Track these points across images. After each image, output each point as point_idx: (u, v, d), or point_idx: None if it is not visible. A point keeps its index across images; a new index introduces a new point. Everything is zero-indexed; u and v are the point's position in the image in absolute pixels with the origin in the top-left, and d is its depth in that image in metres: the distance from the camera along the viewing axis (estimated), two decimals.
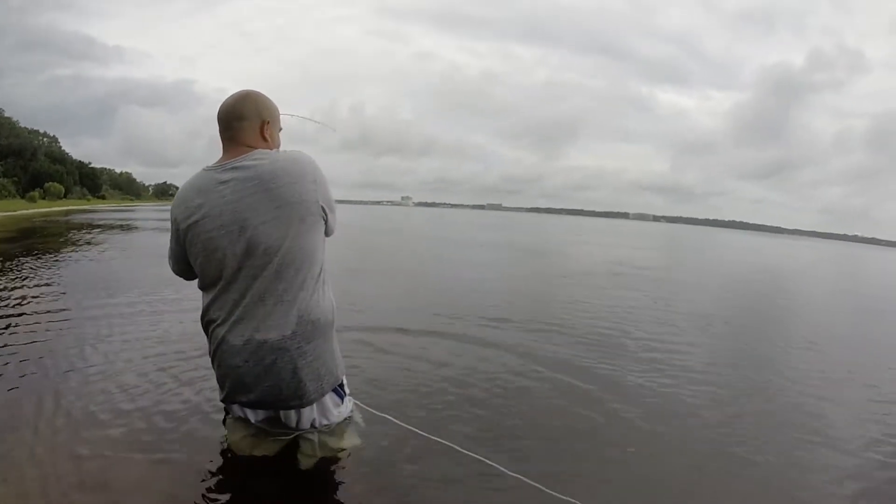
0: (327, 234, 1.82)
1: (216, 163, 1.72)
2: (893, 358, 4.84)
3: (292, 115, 1.98)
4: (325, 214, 1.74)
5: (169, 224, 1.79)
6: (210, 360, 1.79)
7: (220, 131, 1.74)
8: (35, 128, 53.23)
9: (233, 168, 1.66)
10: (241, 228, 1.63)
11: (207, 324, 1.76)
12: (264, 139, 1.75)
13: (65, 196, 44.65)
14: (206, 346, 1.81)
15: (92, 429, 2.19)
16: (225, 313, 1.69)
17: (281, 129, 1.85)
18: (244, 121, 1.72)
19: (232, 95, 1.78)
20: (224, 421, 2.07)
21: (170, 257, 1.85)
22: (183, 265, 1.82)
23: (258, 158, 1.67)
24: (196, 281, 1.81)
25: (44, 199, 39.92)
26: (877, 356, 4.79)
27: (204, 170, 1.73)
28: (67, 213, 24.65)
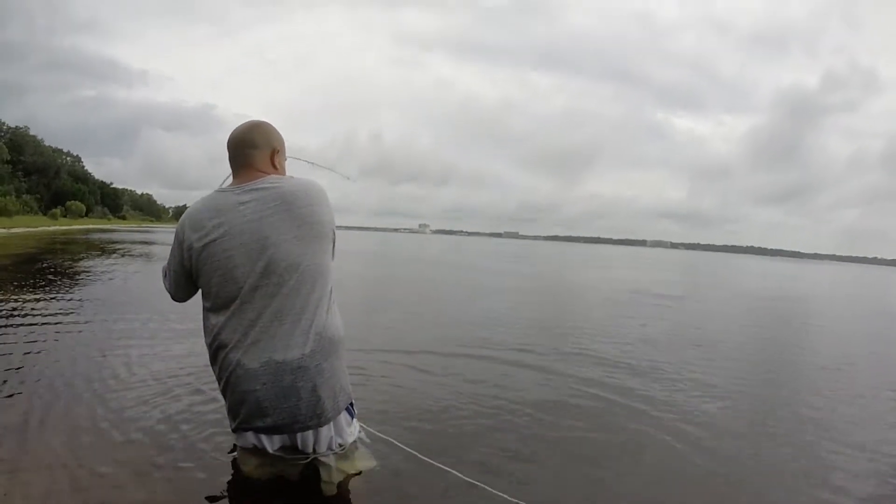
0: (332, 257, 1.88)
1: (230, 185, 1.79)
2: None
3: (299, 160, 2.01)
4: (334, 238, 1.82)
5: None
6: (220, 387, 1.77)
7: (231, 158, 1.82)
8: (59, 147, 54.34)
9: (252, 189, 1.72)
10: (262, 247, 1.67)
11: (218, 348, 1.73)
12: (274, 167, 1.84)
13: (86, 215, 45.37)
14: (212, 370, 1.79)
15: (97, 447, 2.19)
16: (239, 335, 1.68)
17: (287, 159, 1.93)
18: (256, 148, 1.80)
19: (242, 124, 1.86)
20: (234, 451, 2.06)
21: (167, 277, 1.88)
22: (184, 287, 1.85)
23: (277, 181, 1.75)
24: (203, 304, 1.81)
25: (65, 216, 40.51)
26: None
27: (217, 191, 1.78)
28: (87, 231, 25.04)
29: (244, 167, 1.80)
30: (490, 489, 1.92)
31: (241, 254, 1.68)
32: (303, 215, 1.71)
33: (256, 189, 1.72)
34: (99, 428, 2.39)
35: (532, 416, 2.96)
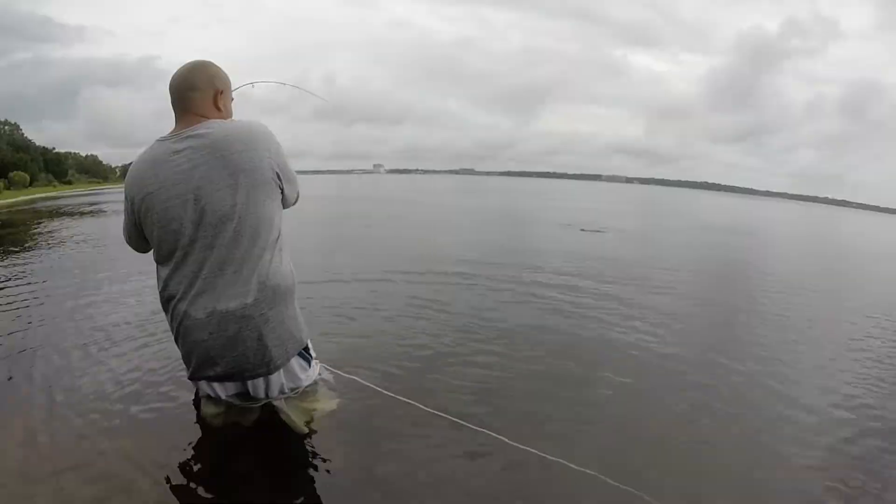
0: (286, 204, 1.82)
1: (169, 133, 1.70)
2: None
3: (283, 84, 2.34)
4: (281, 183, 1.74)
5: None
6: (173, 336, 1.78)
7: (173, 102, 1.72)
8: None
9: (186, 137, 1.65)
10: (195, 197, 1.62)
11: (167, 300, 1.73)
12: (217, 109, 1.75)
13: (30, 184, 43.08)
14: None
15: (63, 408, 2.18)
16: (184, 287, 1.68)
17: (233, 100, 1.85)
18: (197, 91, 1.71)
19: (184, 65, 1.76)
20: (194, 400, 2.10)
21: (124, 233, 1.84)
22: (138, 240, 1.81)
23: (211, 127, 1.66)
24: (152, 256, 1.78)
25: (9, 189, 38.51)
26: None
27: (157, 141, 1.71)
28: (33, 202, 23.52)
29: (184, 112, 1.71)
30: (462, 422, 1.99)
31: (176, 205, 1.63)
32: (236, 162, 1.63)
33: (190, 136, 1.65)
34: (70, 383, 2.40)
35: (495, 343, 3.10)
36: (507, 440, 1.90)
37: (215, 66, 1.79)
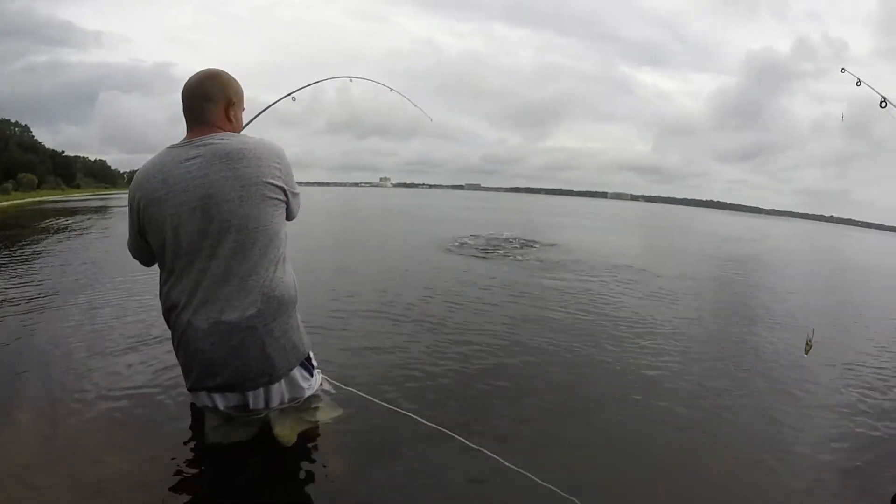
0: (289, 217, 1.85)
1: (182, 141, 1.72)
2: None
3: (390, 89, 2.65)
4: (287, 198, 1.78)
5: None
6: (174, 346, 1.77)
7: (185, 110, 1.74)
8: (8, 117, 52.42)
9: (200, 145, 1.67)
10: (204, 205, 1.63)
11: (170, 309, 1.73)
12: (229, 120, 1.77)
13: (39, 186, 43.56)
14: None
15: (58, 416, 2.18)
16: (187, 296, 1.68)
17: (244, 109, 1.87)
18: (210, 101, 1.73)
19: (197, 74, 1.78)
20: (191, 412, 2.09)
21: (129, 244, 1.83)
22: (142, 250, 1.80)
23: (224, 137, 1.69)
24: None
25: (17, 190, 39.01)
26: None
27: (168, 148, 1.72)
28: (40, 203, 23.73)
29: (197, 122, 1.73)
30: (458, 436, 1.98)
31: (183, 213, 1.64)
32: (247, 174, 1.66)
33: (204, 145, 1.67)
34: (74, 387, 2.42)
35: (498, 361, 3.09)
36: (504, 461, 1.87)
37: (228, 75, 1.80)
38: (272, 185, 1.70)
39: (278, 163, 1.73)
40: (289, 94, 2.52)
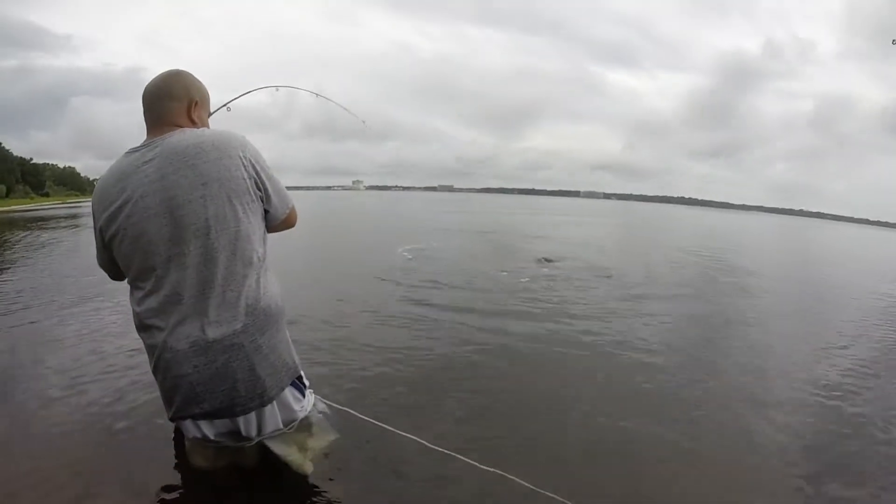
0: (274, 221, 1.67)
1: (140, 144, 1.57)
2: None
3: (317, 94, 2.35)
4: (263, 191, 1.60)
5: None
6: (152, 372, 1.59)
7: (145, 111, 1.60)
8: None
9: (156, 146, 1.52)
10: (166, 209, 1.48)
11: (142, 329, 1.56)
12: (192, 121, 1.62)
13: (7, 195, 41.90)
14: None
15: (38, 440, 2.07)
16: (162, 314, 1.51)
17: (211, 114, 1.74)
18: (172, 100, 1.59)
19: (159, 74, 1.64)
20: (175, 443, 1.94)
21: (97, 256, 1.67)
22: (111, 263, 1.63)
23: (183, 134, 1.54)
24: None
25: None
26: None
27: (126, 153, 1.56)
28: (9, 213, 22.79)
29: (157, 122, 1.58)
30: (469, 460, 1.88)
31: (144, 219, 1.49)
32: (209, 171, 1.49)
33: (161, 144, 1.52)
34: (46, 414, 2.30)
35: (489, 371, 3.01)
36: (520, 481, 1.79)
37: (192, 76, 1.67)
38: (238, 179, 1.52)
39: (242, 152, 1.55)
40: (224, 105, 2.39)
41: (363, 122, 3.48)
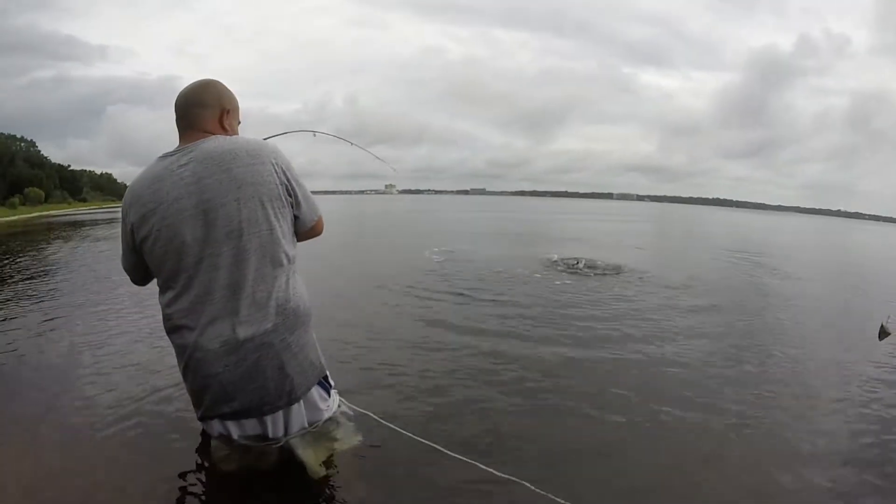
0: (303, 227, 1.70)
1: (173, 149, 1.61)
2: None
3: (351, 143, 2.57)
4: (294, 197, 1.63)
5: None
6: (180, 370, 1.63)
7: (178, 119, 1.64)
8: (14, 133, 54.14)
9: (191, 150, 1.56)
10: (201, 212, 1.51)
11: (172, 330, 1.60)
12: (223, 129, 1.66)
13: (45, 200, 44.40)
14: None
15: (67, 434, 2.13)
16: (193, 314, 1.54)
17: (240, 123, 1.76)
18: (205, 108, 1.63)
19: (192, 83, 1.69)
20: (201, 441, 1.96)
21: (123, 261, 1.70)
22: (137, 267, 1.66)
23: (217, 140, 1.58)
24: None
25: (24, 205, 40.04)
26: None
27: (159, 158, 1.61)
28: (47, 217, 24.12)
29: (190, 129, 1.62)
30: (482, 466, 1.85)
31: (179, 221, 1.52)
32: (244, 176, 1.53)
33: (196, 150, 1.56)
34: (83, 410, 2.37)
35: (518, 380, 2.95)
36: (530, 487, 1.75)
37: (223, 84, 1.72)
38: (270, 185, 1.57)
39: (275, 159, 1.60)
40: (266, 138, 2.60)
41: (393, 169, 3.74)
